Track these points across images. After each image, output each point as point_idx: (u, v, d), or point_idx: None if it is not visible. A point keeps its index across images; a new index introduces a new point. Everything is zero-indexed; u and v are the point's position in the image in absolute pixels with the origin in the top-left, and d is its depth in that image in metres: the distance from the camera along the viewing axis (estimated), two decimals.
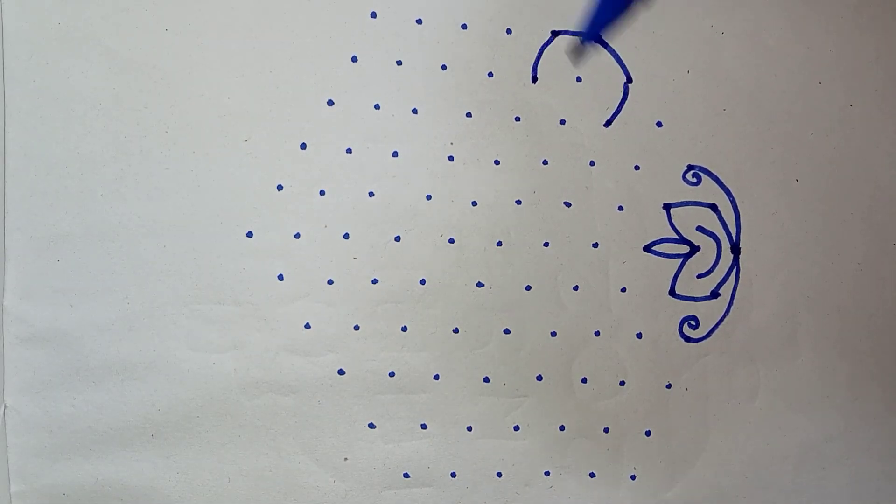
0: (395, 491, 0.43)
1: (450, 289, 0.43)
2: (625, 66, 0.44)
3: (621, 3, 0.37)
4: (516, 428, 0.44)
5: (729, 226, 0.46)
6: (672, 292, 0.45)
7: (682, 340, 0.45)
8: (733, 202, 0.46)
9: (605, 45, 0.44)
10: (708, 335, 0.46)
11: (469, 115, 0.43)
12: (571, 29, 0.44)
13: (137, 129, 0.40)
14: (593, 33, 0.38)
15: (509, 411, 0.44)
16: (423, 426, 0.43)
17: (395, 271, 0.42)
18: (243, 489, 0.42)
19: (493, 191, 0.43)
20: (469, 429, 0.44)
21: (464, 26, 0.43)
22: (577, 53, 0.43)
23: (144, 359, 0.41)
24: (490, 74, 0.43)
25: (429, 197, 0.43)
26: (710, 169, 0.45)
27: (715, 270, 0.46)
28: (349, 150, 0.42)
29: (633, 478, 0.45)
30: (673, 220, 0.45)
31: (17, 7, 0.39)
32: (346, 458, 0.43)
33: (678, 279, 0.45)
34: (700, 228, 0.45)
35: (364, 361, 0.42)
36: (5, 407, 0.40)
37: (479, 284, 0.43)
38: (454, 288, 0.43)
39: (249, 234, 0.41)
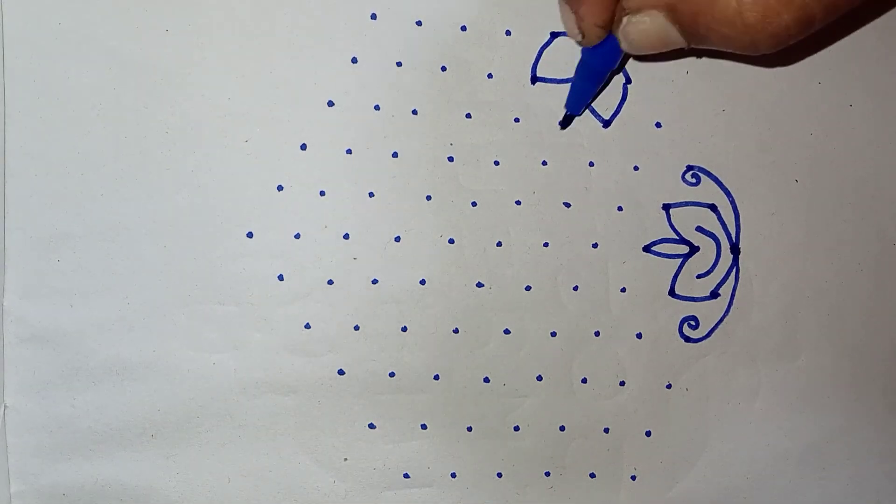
0: (395, 491, 0.43)
1: (450, 289, 0.43)
2: (623, 67, 0.45)
3: (596, 81, 0.42)
4: (516, 428, 0.44)
5: (728, 226, 0.46)
6: (672, 292, 0.45)
7: (682, 340, 0.45)
8: (733, 202, 0.46)
9: None
10: (708, 335, 0.46)
11: (469, 115, 0.43)
12: None
13: (137, 129, 0.40)
14: (576, 108, 0.43)
15: (509, 411, 0.44)
16: (423, 426, 0.43)
17: (395, 271, 0.42)
18: (243, 489, 0.42)
19: (493, 191, 0.43)
20: (469, 429, 0.44)
21: (463, 28, 0.43)
22: (565, 122, 0.44)
23: (144, 359, 0.41)
24: (490, 75, 0.43)
25: (429, 197, 0.43)
26: (709, 169, 0.45)
27: (715, 270, 0.46)
28: (349, 151, 0.42)
29: (633, 478, 0.45)
30: (672, 221, 0.45)
31: (17, 7, 0.39)
32: (346, 459, 0.43)
33: (678, 279, 0.45)
34: (699, 229, 0.45)
35: (364, 361, 0.42)
36: (5, 407, 0.40)
37: (479, 284, 0.43)
38: (454, 288, 0.43)
39: (249, 235, 0.41)
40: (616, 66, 0.41)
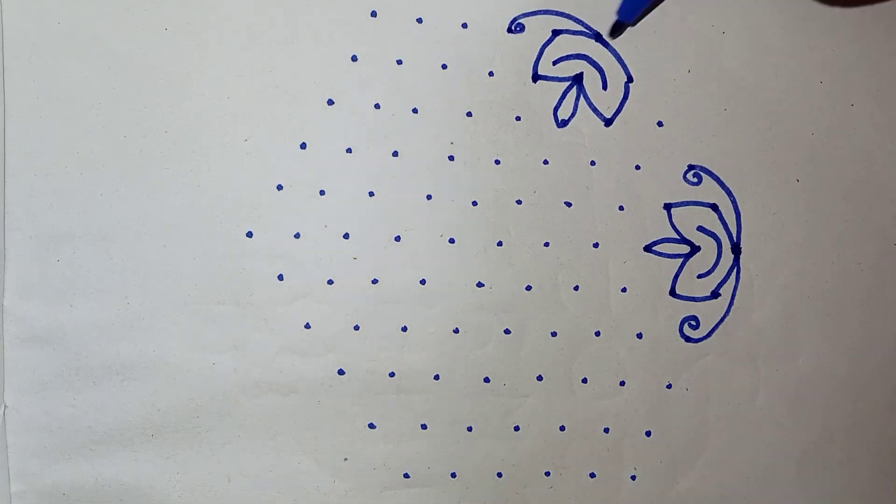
0: (395, 491, 0.43)
1: (450, 289, 0.43)
2: (626, 65, 0.44)
3: None
4: (516, 428, 0.44)
5: (730, 226, 0.46)
6: (672, 292, 0.45)
7: (683, 340, 0.45)
8: (734, 202, 0.46)
9: (606, 45, 0.44)
10: (708, 335, 0.46)
11: (469, 114, 0.43)
12: (572, 29, 0.44)
13: (137, 129, 0.40)
14: (628, 16, 0.42)
15: (509, 411, 0.44)
16: (423, 426, 0.43)
17: (395, 271, 0.42)
18: (243, 489, 0.42)
19: (493, 191, 0.43)
20: (469, 429, 0.44)
21: (464, 25, 0.43)
22: (615, 32, 0.44)
23: (144, 359, 0.41)
24: (490, 74, 0.43)
25: (429, 197, 0.43)
26: (710, 169, 0.45)
27: (715, 270, 0.46)
28: (349, 150, 0.42)
29: (633, 478, 0.45)
30: (673, 220, 0.45)
31: (17, 7, 0.39)
32: (346, 458, 0.43)
33: (678, 279, 0.45)
34: (701, 228, 0.45)
35: (364, 361, 0.42)
36: (5, 407, 0.40)
37: (479, 284, 0.43)
38: (454, 288, 0.43)
39: (249, 234, 0.41)
40: None
